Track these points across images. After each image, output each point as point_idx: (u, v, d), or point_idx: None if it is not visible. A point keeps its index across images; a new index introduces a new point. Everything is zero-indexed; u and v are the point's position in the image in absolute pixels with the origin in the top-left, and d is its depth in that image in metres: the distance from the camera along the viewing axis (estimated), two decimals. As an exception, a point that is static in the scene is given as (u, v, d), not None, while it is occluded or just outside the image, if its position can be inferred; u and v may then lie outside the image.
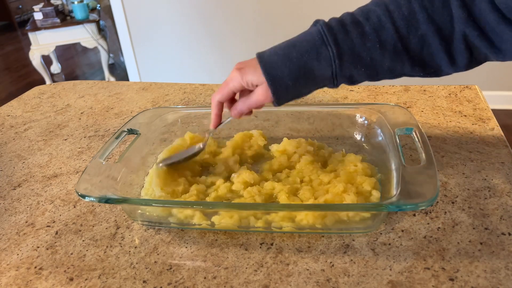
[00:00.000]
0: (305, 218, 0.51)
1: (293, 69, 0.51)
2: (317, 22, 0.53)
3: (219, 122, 0.60)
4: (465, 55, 0.50)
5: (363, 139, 0.68)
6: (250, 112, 0.57)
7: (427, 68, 0.52)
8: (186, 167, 0.64)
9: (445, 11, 0.49)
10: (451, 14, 0.49)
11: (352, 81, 0.54)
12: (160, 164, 0.62)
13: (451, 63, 0.51)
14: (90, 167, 0.57)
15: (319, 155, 0.65)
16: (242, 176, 0.59)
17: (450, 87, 0.87)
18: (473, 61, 0.51)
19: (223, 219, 0.52)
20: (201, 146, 0.63)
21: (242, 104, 0.56)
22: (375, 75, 0.53)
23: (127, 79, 2.91)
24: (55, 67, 3.74)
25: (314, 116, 0.71)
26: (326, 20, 0.53)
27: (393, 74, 0.53)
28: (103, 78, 3.43)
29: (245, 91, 0.56)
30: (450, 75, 0.53)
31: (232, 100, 0.58)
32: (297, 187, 0.58)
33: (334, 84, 0.53)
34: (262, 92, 0.53)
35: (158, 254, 0.52)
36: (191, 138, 0.70)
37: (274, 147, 0.67)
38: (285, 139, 0.67)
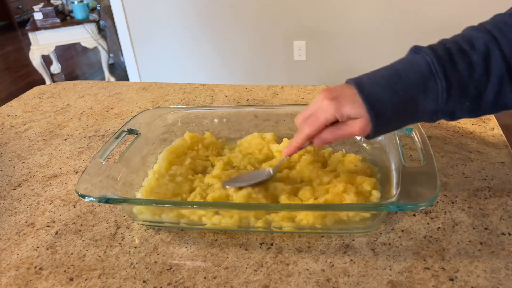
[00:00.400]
0: (305, 218, 0.51)
1: (398, 103, 0.46)
2: (419, 49, 0.48)
3: (295, 152, 0.55)
4: None
5: (363, 139, 0.68)
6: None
7: None
8: (189, 166, 0.64)
9: None
10: None
11: (452, 117, 0.49)
12: (227, 186, 0.58)
13: None
14: (90, 167, 0.57)
15: (319, 155, 0.65)
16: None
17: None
18: None
19: (223, 219, 0.52)
20: (271, 172, 0.59)
21: (330, 135, 0.50)
22: (477, 109, 0.48)
23: (127, 79, 2.91)
24: (55, 67, 3.74)
25: (314, 116, 0.71)
26: (426, 46, 0.48)
27: (496, 107, 0.48)
28: (103, 78, 3.43)
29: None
30: None
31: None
32: (297, 187, 0.58)
33: (433, 119, 0.48)
34: (360, 127, 0.47)
35: (158, 254, 0.52)
36: (191, 138, 0.70)
37: (274, 147, 0.67)
38: (285, 140, 0.67)
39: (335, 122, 0.50)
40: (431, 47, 0.47)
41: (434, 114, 0.48)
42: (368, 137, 0.49)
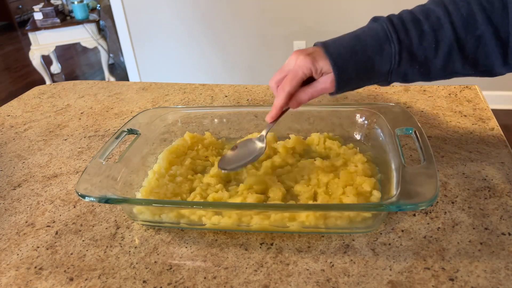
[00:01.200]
0: (306, 219, 0.50)
1: (358, 62, 0.53)
2: (377, 18, 0.55)
3: (279, 114, 0.57)
4: None
5: (363, 139, 0.68)
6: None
7: (479, 67, 0.54)
8: (188, 166, 0.64)
9: (504, 13, 0.50)
10: (509, 16, 0.50)
11: (405, 79, 0.55)
12: (223, 171, 0.58)
13: (504, 63, 0.53)
14: (90, 167, 0.57)
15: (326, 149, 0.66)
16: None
17: (450, 87, 0.87)
18: None
19: (223, 219, 0.52)
20: (263, 145, 0.59)
21: (304, 95, 0.55)
22: (427, 74, 0.55)
23: (127, 79, 2.91)
24: (55, 67, 3.75)
25: (314, 116, 0.71)
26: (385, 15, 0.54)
27: (445, 73, 0.55)
28: (103, 78, 3.43)
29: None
30: (502, 75, 0.55)
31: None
32: (297, 189, 0.58)
33: (388, 81, 0.55)
34: (331, 81, 0.53)
35: (158, 254, 0.52)
36: (191, 138, 0.70)
37: (281, 144, 0.67)
38: (292, 136, 0.67)
39: (305, 84, 0.55)
40: (388, 16, 0.54)
41: (389, 76, 0.54)
42: (332, 93, 0.55)
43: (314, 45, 0.55)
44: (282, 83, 0.55)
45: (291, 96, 0.55)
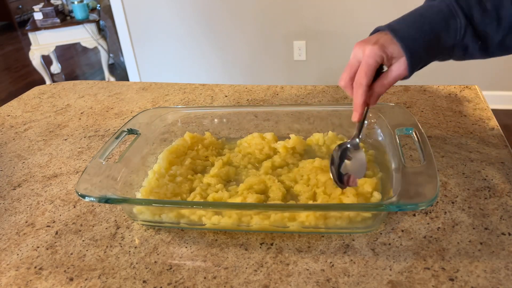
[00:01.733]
0: (306, 219, 0.50)
1: (427, 40, 0.52)
2: None
3: (363, 112, 0.55)
4: None
5: (363, 139, 0.68)
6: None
7: None
8: (188, 166, 0.64)
9: None
10: None
11: (465, 53, 0.55)
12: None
13: None
14: (90, 167, 0.57)
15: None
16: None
17: (450, 87, 0.87)
18: None
19: (223, 219, 0.52)
20: (360, 146, 0.57)
21: (381, 87, 0.54)
22: (486, 49, 0.54)
23: (127, 79, 2.92)
24: (55, 67, 3.74)
25: (314, 116, 0.71)
26: None
27: (501, 49, 0.55)
28: (103, 78, 3.43)
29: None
30: None
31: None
32: (297, 189, 0.58)
33: (450, 54, 0.55)
34: (402, 67, 0.52)
35: (158, 254, 0.52)
36: (191, 138, 0.70)
37: (281, 144, 0.67)
38: (292, 136, 0.67)
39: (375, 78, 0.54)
40: None
41: (451, 50, 0.54)
42: (406, 77, 0.53)
43: (376, 30, 0.54)
44: (357, 78, 0.53)
45: (369, 90, 0.54)
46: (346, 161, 0.57)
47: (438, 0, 0.54)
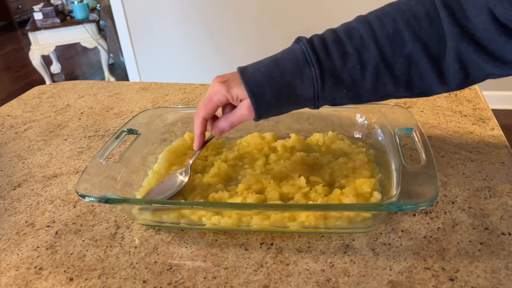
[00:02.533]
0: (306, 219, 0.50)
1: (276, 88, 0.50)
2: (299, 39, 0.52)
3: (203, 141, 0.58)
4: (458, 74, 0.48)
5: (363, 139, 0.68)
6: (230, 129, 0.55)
7: (414, 88, 0.51)
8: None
9: (433, 29, 0.47)
10: (442, 32, 0.47)
11: (334, 103, 0.52)
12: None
13: (442, 83, 0.50)
14: (90, 167, 0.57)
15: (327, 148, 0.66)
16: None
17: (450, 87, 0.87)
18: (468, 80, 0.50)
19: (223, 219, 0.52)
20: (184, 179, 0.59)
21: (224, 122, 0.54)
22: (357, 97, 0.52)
23: (127, 79, 2.92)
24: (55, 67, 3.75)
25: (314, 116, 0.71)
26: (309, 36, 0.52)
27: (377, 96, 0.52)
28: (103, 78, 3.43)
29: (226, 108, 0.55)
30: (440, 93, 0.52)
31: (212, 118, 0.56)
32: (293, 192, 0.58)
33: (315, 105, 0.52)
34: (246, 107, 0.51)
35: (158, 254, 0.52)
36: (191, 138, 0.70)
37: (280, 142, 0.67)
38: (293, 135, 0.67)
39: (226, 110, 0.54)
40: (310, 37, 0.52)
41: (316, 101, 0.51)
42: (255, 119, 0.52)
43: (237, 69, 0.53)
44: (197, 109, 0.55)
45: (206, 122, 0.55)
46: (163, 182, 0.60)
47: (298, 44, 0.51)
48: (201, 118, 0.55)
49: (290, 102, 0.52)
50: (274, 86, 0.50)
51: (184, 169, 0.60)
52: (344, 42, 0.49)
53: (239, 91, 0.51)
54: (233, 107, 0.54)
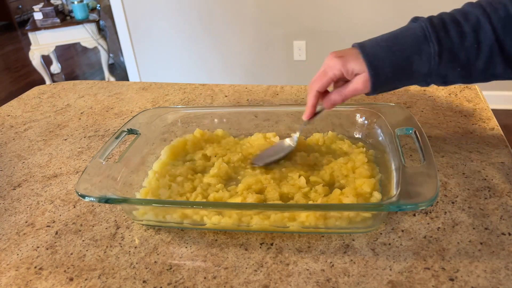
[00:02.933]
0: (306, 219, 0.50)
1: (395, 62, 0.52)
2: (417, 18, 0.54)
3: (313, 113, 0.59)
4: None
5: (363, 139, 0.68)
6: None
7: None
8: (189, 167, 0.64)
9: None
10: None
11: (445, 81, 0.55)
12: (254, 164, 0.62)
13: None
14: (90, 167, 0.57)
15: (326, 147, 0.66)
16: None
17: (450, 87, 0.87)
18: None
19: (223, 219, 0.52)
20: (292, 144, 0.63)
21: (337, 95, 0.56)
22: (468, 76, 0.54)
23: (127, 79, 2.92)
24: (55, 67, 3.74)
25: (314, 116, 0.71)
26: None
27: (485, 75, 0.54)
28: (103, 78, 3.43)
29: (338, 83, 0.57)
30: None
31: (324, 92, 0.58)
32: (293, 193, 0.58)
33: (427, 82, 0.55)
34: (361, 82, 0.53)
35: (158, 254, 0.52)
36: (201, 134, 0.70)
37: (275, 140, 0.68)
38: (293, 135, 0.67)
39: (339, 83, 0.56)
40: (428, 17, 0.54)
41: (428, 77, 0.54)
42: (369, 93, 0.55)
43: (352, 45, 0.55)
44: (311, 82, 0.57)
45: (320, 95, 0.58)
46: (270, 148, 0.65)
47: (417, 22, 0.54)
48: (315, 90, 0.57)
49: (405, 77, 0.54)
50: (393, 60, 0.52)
51: (292, 137, 0.64)
52: (461, 23, 0.52)
53: (355, 66, 0.53)
54: (345, 82, 0.56)
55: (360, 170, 0.59)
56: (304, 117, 0.60)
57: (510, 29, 0.51)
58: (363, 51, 0.53)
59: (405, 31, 0.54)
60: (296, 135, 0.63)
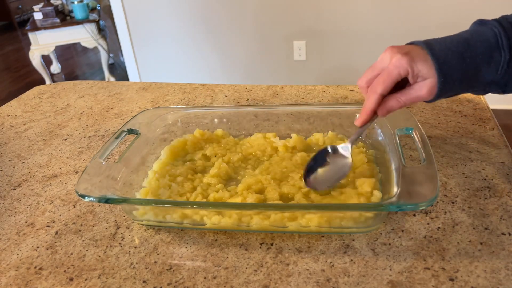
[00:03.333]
0: (306, 219, 0.50)
1: (464, 70, 0.47)
2: (485, 22, 0.49)
3: (369, 119, 0.52)
4: None
5: (363, 139, 0.68)
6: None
7: None
8: (189, 166, 0.64)
9: None
10: None
11: (505, 89, 0.50)
12: (317, 188, 0.55)
13: None
14: (90, 167, 0.57)
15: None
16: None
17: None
18: None
19: (223, 219, 0.52)
20: (349, 158, 0.55)
21: (395, 102, 0.49)
22: None
23: (127, 79, 2.92)
24: (55, 67, 3.75)
25: (314, 116, 0.71)
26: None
27: None
28: (103, 78, 3.43)
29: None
30: None
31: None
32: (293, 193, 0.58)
33: (485, 90, 0.50)
34: (427, 89, 0.47)
35: (158, 254, 0.52)
36: (201, 134, 0.70)
37: (282, 142, 0.67)
38: (294, 135, 0.67)
39: (395, 89, 0.49)
40: (497, 20, 0.49)
41: (488, 86, 0.49)
42: (430, 100, 0.49)
43: (412, 42, 0.49)
44: (374, 84, 0.49)
45: (383, 99, 0.50)
46: (325, 164, 0.57)
47: (486, 26, 0.48)
48: (378, 94, 0.49)
49: (468, 85, 0.49)
50: (464, 67, 0.47)
51: (344, 144, 0.57)
52: None
53: (423, 69, 0.47)
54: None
55: (360, 170, 0.59)
56: (358, 123, 0.53)
57: None
58: (433, 53, 0.47)
59: (476, 36, 0.48)
60: (348, 145, 0.56)
